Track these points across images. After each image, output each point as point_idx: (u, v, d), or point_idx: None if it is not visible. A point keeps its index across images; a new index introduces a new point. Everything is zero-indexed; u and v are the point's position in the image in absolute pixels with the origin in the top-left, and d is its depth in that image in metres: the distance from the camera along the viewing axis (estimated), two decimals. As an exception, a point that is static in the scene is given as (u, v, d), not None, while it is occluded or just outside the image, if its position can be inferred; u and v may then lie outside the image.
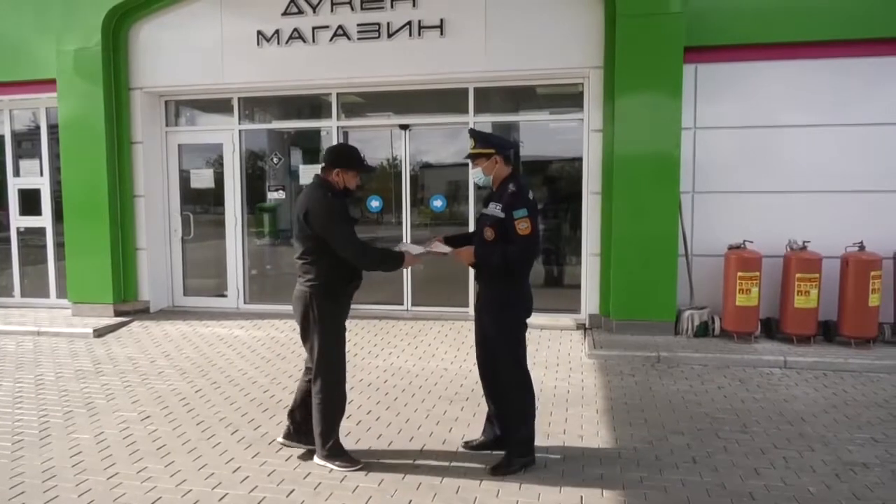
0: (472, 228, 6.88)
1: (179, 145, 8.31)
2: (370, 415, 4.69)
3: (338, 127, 7.83)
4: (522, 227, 3.56)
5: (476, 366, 4.00)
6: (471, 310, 7.12)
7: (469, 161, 3.90)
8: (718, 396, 5.02)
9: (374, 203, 7.93)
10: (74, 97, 7.71)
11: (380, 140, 8.05)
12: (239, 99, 8.04)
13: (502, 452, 3.82)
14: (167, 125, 8.27)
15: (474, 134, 3.83)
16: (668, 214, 6.53)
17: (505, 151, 3.77)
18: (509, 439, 3.79)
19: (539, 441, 4.02)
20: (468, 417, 4.58)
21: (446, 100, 7.59)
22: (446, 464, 3.84)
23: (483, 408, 4.09)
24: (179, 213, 8.34)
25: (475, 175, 3.84)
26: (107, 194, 7.69)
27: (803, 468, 3.76)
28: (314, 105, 8.13)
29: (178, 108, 8.38)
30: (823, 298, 6.22)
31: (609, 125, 6.73)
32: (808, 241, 6.26)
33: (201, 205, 8.44)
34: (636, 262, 6.57)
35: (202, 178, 8.31)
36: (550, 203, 7.71)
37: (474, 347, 3.97)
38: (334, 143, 7.79)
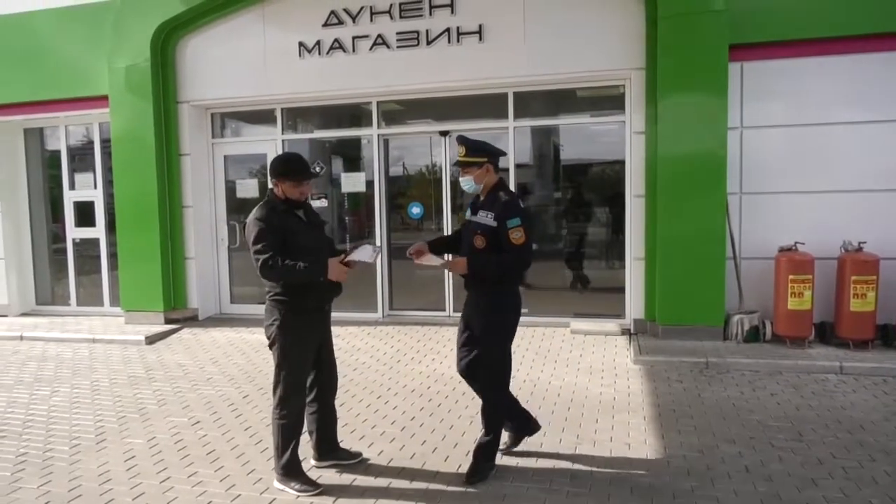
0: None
1: (225, 156, 8.52)
2: (414, 421, 4.71)
3: (378, 135, 7.90)
4: (516, 236, 3.50)
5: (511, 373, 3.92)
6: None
7: (459, 168, 3.80)
8: (771, 403, 4.86)
9: (415, 210, 7.97)
10: (125, 112, 7.98)
11: (420, 147, 8.10)
12: (282, 109, 8.20)
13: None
14: (213, 137, 8.48)
15: (465, 142, 3.70)
16: (714, 216, 6.38)
17: (496, 159, 3.74)
18: (480, 444, 3.73)
19: (586, 449, 4.00)
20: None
21: (486, 105, 7.58)
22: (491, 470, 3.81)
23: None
24: (226, 222, 8.55)
25: (465, 183, 3.76)
26: (157, 205, 7.93)
27: (864, 479, 3.61)
28: (355, 114, 8.23)
29: (223, 120, 8.59)
30: (881, 301, 5.97)
31: (652, 127, 6.62)
32: (864, 242, 6.03)
33: (247, 214, 8.56)
34: (682, 265, 6.43)
35: (247, 188, 8.49)
36: (592, 206, 7.63)
37: (458, 349, 3.88)
38: (375, 150, 7.87)
